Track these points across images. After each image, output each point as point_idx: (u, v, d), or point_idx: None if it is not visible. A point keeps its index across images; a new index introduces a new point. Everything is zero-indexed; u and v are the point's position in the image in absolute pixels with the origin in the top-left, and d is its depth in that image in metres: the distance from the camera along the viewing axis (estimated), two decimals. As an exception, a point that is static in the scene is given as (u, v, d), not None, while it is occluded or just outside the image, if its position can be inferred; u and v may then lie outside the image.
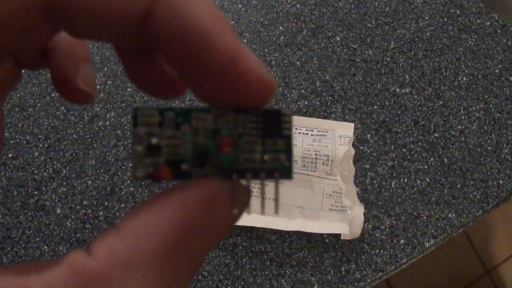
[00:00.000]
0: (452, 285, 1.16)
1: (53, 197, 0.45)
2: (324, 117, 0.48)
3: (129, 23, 0.10)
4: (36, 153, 0.46)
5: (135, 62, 0.13)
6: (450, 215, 0.46)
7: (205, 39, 0.10)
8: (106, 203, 0.44)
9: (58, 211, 0.44)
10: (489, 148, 0.50)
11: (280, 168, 0.12)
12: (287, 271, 0.43)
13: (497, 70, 0.53)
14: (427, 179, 0.47)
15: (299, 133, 0.45)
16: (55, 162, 0.46)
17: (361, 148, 0.47)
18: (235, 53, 0.10)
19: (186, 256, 0.10)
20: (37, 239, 0.43)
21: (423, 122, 0.49)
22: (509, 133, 0.51)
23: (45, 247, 0.43)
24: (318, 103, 0.48)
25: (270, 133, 0.11)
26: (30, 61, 0.14)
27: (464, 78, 0.52)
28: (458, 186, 0.48)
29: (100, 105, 0.47)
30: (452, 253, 1.17)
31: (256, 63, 0.11)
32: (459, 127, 0.50)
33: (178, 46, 0.10)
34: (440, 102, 0.50)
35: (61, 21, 0.11)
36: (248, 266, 0.43)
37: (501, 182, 0.49)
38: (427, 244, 0.45)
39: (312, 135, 0.45)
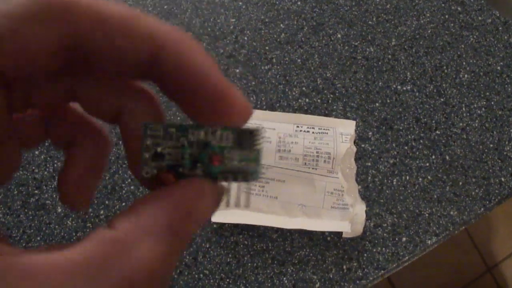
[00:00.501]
0: (454, 282, 1.15)
1: (54, 196, 0.44)
2: (325, 115, 0.47)
3: (136, 67, 0.13)
4: (37, 152, 0.46)
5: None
6: (452, 213, 0.46)
7: (203, 79, 0.13)
8: (106, 202, 0.44)
9: (59, 210, 0.44)
10: (491, 145, 0.49)
11: (251, 172, 0.15)
12: (288, 269, 0.42)
13: (498, 67, 0.53)
14: (429, 177, 0.47)
15: (300, 131, 0.45)
16: (55, 161, 0.45)
17: (363, 145, 0.47)
18: (225, 90, 0.13)
19: (184, 233, 0.13)
20: (38, 238, 0.43)
21: (425, 119, 0.49)
22: (511, 130, 0.50)
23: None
24: (319, 100, 0.48)
25: (244, 146, 0.15)
26: (34, 139, 0.16)
27: (466, 75, 0.52)
28: (460, 183, 0.47)
29: (101, 104, 0.47)
30: (453, 250, 1.17)
31: (239, 95, 0.14)
32: (461, 124, 0.49)
33: (179, 84, 0.13)
34: (442, 100, 0.50)
35: (80, 63, 0.13)
36: (249, 264, 0.42)
37: (503, 179, 0.48)
38: (429, 242, 0.45)
39: (313, 132, 0.45)
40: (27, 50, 0.11)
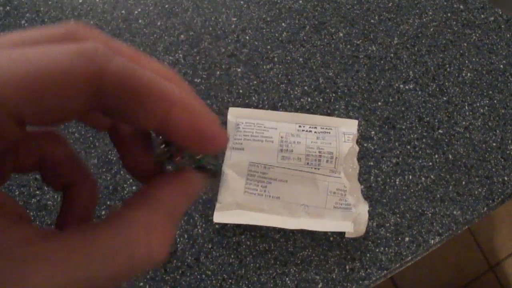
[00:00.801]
0: (456, 280, 1.15)
1: (55, 196, 0.44)
2: (328, 114, 0.47)
3: (154, 116, 0.14)
4: (38, 152, 0.45)
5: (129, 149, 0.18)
6: (455, 212, 0.46)
7: (201, 129, 0.15)
8: (108, 202, 0.44)
9: (60, 211, 0.43)
10: (494, 144, 0.49)
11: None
12: (291, 269, 0.42)
13: (501, 66, 0.52)
14: (432, 176, 0.47)
15: (303, 130, 0.44)
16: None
17: (365, 145, 0.46)
18: (216, 134, 0.16)
19: (181, 213, 0.16)
20: (39, 239, 0.43)
21: (428, 118, 0.48)
22: (514, 129, 0.50)
23: (48, 247, 0.42)
24: (321, 100, 0.47)
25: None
26: (26, 166, 0.17)
27: (468, 74, 0.51)
28: (463, 182, 0.47)
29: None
30: (456, 248, 1.16)
31: (222, 135, 0.16)
32: (464, 123, 0.49)
33: (185, 140, 0.15)
34: (445, 98, 0.50)
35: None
36: (252, 265, 0.42)
37: (506, 178, 0.48)
38: (432, 241, 0.45)
39: (315, 132, 0.44)
40: (56, 109, 0.13)
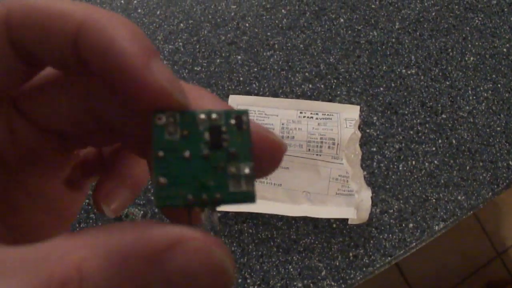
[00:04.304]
0: (463, 268, 1.12)
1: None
2: (329, 100, 0.45)
3: (64, 42, 0.12)
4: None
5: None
6: (459, 198, 0.43)
7: (120, 59, 0.11)
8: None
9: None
10: (498, 128, 0.46)
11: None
12: (294, 257, 0.40)
13: (504, 49, 0.50)
14: (436, 161, 0.44)
15: (304, 117, 0.42)
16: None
17: (368, 131, 0.44)
18: (144, 71, 0.11)
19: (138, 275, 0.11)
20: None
21: (430, 103, 0.46)
22: (519, 113, 0.47)
23: (50, 237, 0.41)
24: (322, 86, 0.45)
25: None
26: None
27: (471, 58, 0.49)
28: (467, 167, 0.44)
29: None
30: (462, 236, 1.14)
31: (164, 77, 0.11)
32: (467, 107, 0.46)
33: (101, 64, 0.12)
34: (447, 83, 0.47)
35: (20, 45, 0.12)
36: (254, 253, 0.40)
37: (511, 163, 0.45)
38: (436, 227, 0.42)
39: (317, 118, 0.42)
40: None
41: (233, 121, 0.12)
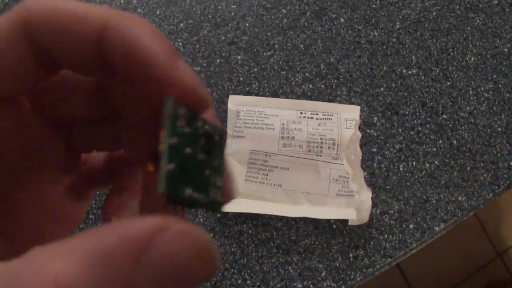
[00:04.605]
0: (464, 268, 1.12)
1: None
2: (329, 100, 0.44)
3: (88, 44, 0.12)
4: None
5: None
6: (460, 198, 0.43)
7: (148, 58, 0.11)
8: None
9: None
10: (499, 129, 0.46)
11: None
12: (294, 258, 0.40)
13: (506, 49, 0.49)
14: (436, 162, 0.44)
15: (304, 117, 0.42)
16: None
17: (368, 131, 0.44)
18: (170, 70, 0.12)
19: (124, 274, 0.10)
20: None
21: (431, 103, 0.46)
22: (520, 114, 0.47)
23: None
24: (323, 86, 0.45)
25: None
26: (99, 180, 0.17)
27: (472, 58, 0.48)
28: (468, 168, 0.44)
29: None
30: (463, 236, 1.13)
31: (189, 76, 0.12)
32: (468, 108, 0.46)
33: (127, 64, 0.12)
34: (448, 83, 0.47)
35: (40, 50, 0.12)
36: (254, 254, 0.40)
37: (511, 163, 0.45)
38: (437, 228, 0.42)
39: (317, 119, 0.42)
40: (6, 71, 0.12)
41: (217, 138, 0.13)
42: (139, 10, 0.47)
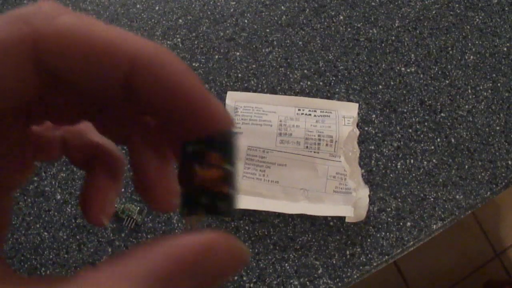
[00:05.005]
0: (462, 268, 1.11)
1: (53, 182, 0.42)
2: (328, 98, 0.44)
3: (114, 77, 0.11)
4: (36, 138, 0.43)
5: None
6: (457, 197, 0.43)
7: (182, 89, 0.12)
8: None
9: (58, 197, 0.41)
10: (498, 128, 0.46)
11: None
12: (290, 255, 0.40)
13: (505, 48, 0.49)
14: (434, 160, 0.44)
15: (302, 114, 0.42)
16: (54, 147, 0.43)
17: (366, 128, 0.44)
18: (203, 100, 0.12)
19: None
20: (37, 225, 0.40)
21: (429, 101, 0.45)
22: (518, 113, 0.47)
23: (45, 233, 0.40)
24: (321, 83, 0.44)
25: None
26: (50, 153, 0.16)
27: (471, 57, 0.48)
28: (466, 167, 0.44)
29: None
30: (461, 236, 1.13)
31: (218, 104, 0.13)
32: (467, 106, 0.46)
33: (157, 97, 0.12)
34: (447, 81, 0.46)
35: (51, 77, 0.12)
36: (251, 250, 0.40)
37: (510, 162, 0.45)
38: (434, 226, 0.42)
39: (315, 115, 0.42)
40: (8, 82, 0.11)
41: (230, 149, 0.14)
42: (138, 6, 0.46)
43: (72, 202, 0.41)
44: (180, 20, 0.46)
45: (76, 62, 0.11)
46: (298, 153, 0.40)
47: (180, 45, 0.45)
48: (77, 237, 0.40)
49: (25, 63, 0.11)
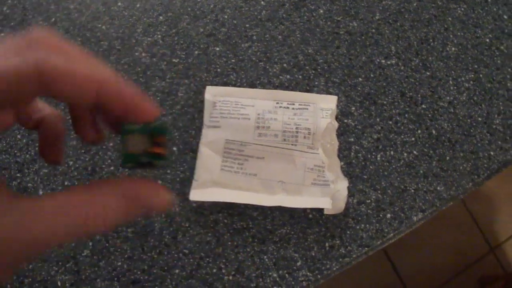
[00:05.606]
0: (457, 263, 1.10)
1: (35, 178, 0.42)
2: (307, 91, 0.44)
3: (88, 95, 0.19)
4: (19, 136, 0.43)
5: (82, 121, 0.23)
6: (439, 188, 0.42)
7: (126, 99, 0.20)
8: (87, 183, 0.41)
9: (41, 193, 0.41)
10: (480, 119, 0.45)
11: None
12: (269, 247, 0.39)
13: (487, 40, 0.49)
14: (415, 152, 0.43)
15: (280, 107, 0.42)
16: (37, 144, 0.43)
17: (345, 121, 0.43)
18: (139, 103, 0.20)
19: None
20: (19, 220, 0.40)
21: (410, 93, 0.45)
22: (500, 103, 0.46)
23: (27, 228, 0.40)
24: (300, 77, 0.44)
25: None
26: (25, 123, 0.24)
27: (453, 48, 0.48)
28: (447, 158, 0.43)
29: (81, 86, 0.44)
30: (455, 231, 1.12)
31: (149, 103, 0.21)
32: (448, 98, 0.46)
33: (119, 105, 0.20)
34: (428, 73, 0.46)
35: (47, 87, 0.18)
36: (229, 243, 0.39)
37: (492, 153, 0.44)
38: (414, 218, 0.42)
39: (293, 108, 0.41)
40: (14, 95, 0.18)
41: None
42: (119, 3, 0.47)
43: (54, 198, 0.41)
44: (161, 17, 0.46)
45: (67, 88, 0.18)
46: (276, 145, 0.40)
47: (160, 41, 0.45)
48: (59, 232, 0.40)
49: (32, 81, 0.17)
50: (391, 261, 1.08)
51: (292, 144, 0.40)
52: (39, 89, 0.17)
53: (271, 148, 0.40)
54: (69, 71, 0.18)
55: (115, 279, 0.39)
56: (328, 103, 0.42)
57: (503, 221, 1.14)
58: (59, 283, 0.39)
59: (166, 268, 0.39)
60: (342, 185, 0.39)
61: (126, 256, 0.39)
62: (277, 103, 0.42)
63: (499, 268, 1.11)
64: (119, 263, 0.39)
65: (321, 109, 0.42)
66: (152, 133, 0.20)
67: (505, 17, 0.50)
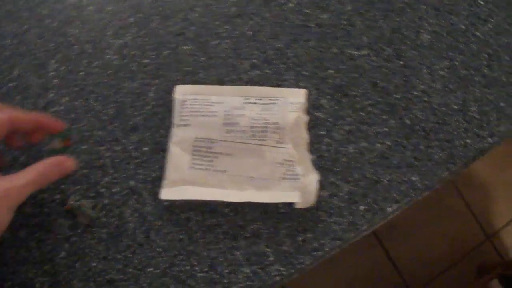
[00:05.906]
0: (453, 252, 1.09)
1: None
2: (277, 86, 0.44)
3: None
4: (-4, 142, 0.44)
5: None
6: (413, 178, 0.42)
7: (35, 123, 0.36)
8: (62, 186, 0.42)
9: (17, 197, 0.42)
10: (455, 107, 0.45)
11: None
12: (241, 243, 0.39)
13: (462, 26, 0.48)
14: (388, 142, 0.43)
15: (248, 103, 0.41)
16: (13, 151, 0.43)
17: (316, 114, 0.43)
18: (45, 122, 0.37)
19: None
20: (-3, 224, 0.41)
21: (383, 84, 0.45)
22: (477, 90, 0.45)
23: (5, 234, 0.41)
24: (270, 71, 0.44)
25: None
26: None
27: (427, 36, 0.47)
28: (422, 147, 0.43)
29: (54, 91, 0.44)
30: (451, 220, 1.10)
31: (52, 120, 0.38)
32: (422, 86, 0.45)
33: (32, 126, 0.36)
34: (401, 62, 0.46)
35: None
36: (201, 240, 0.40)
37: (468, 141, 0.44)
38: (389, 209, 0.41)
39: (261, 104, 0.41)
40: None
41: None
42: (90, 7, 0.47)
43: (31, 202, 0.42)
44: (131, 19, 0.46)
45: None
46: (245, 141, 0.40)
47: (130, 43, 0.45)
48: (36, 235, 0.41)
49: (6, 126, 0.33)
50: (387, 251, 1.07)
51: (260, 139, 0.40)
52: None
53: (240, 144, 0.40)
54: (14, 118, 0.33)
55: (91, 279, 0.39)
56: (297, 97, 0.42)
57: (498, 208, 1.13)
58: (37, 285, 0.39)
59: (140, 267, 0.39)
60: (312, 179, 0.39)
61: (101, 256, 0.39)
62: (245, 99, 0.42)
63: (496, 255, 1.09)
64: (94, 264, 0.39)
65: (290, 103, 0.42)
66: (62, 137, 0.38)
67: (481, 2, 0.49)
